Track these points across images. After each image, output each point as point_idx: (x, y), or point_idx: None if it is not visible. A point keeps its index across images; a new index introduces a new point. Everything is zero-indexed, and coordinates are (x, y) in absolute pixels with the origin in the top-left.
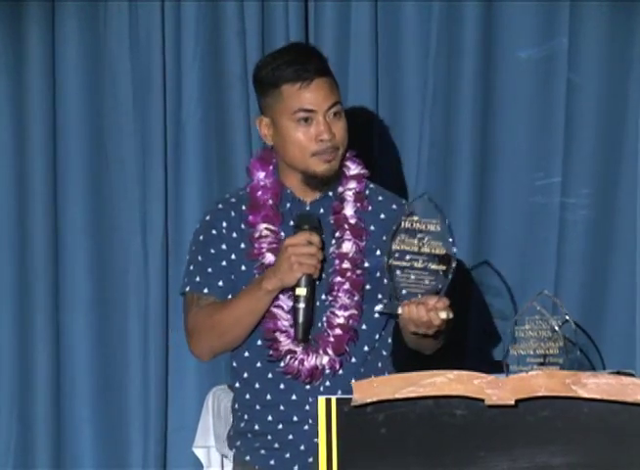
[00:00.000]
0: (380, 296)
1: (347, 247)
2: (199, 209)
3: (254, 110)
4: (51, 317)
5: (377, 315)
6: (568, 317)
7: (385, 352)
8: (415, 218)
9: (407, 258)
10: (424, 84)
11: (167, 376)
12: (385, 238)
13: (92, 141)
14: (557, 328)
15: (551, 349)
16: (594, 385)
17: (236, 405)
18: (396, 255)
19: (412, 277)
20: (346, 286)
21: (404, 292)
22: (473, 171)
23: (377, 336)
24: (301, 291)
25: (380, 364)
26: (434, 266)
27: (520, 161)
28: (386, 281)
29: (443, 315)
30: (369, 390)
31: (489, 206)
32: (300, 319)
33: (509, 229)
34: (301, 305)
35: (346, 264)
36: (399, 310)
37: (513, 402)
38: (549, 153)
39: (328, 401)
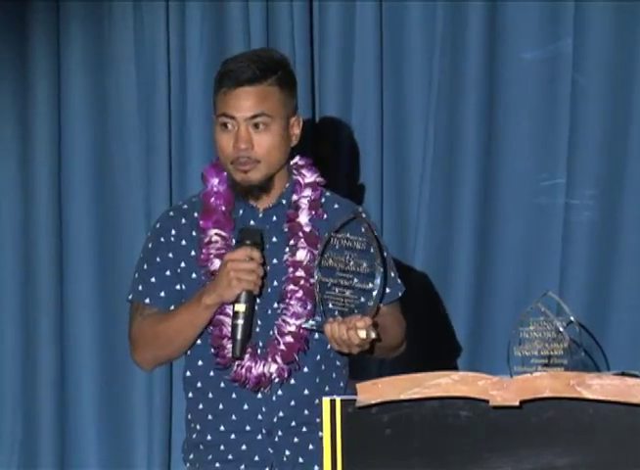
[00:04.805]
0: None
1: (301, 255)
2: None
3: None
4: (55, 318)
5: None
6: (572, 318)
7: (338, 363)
8: (342, 235)
9: (334, 274)
10: (428, 85)
11: (172, 376)
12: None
13: (97, 141)
14: (561, 329)
15: (555, 350)
16: (599, 386)
17: (189, 416)
18: (324, 271)
19: (338, 295)
20: (299, 294)
21: (330, 308)
22: (477, 172)
23: (328, 345)
24: (240, 307)
25: (334, 375)
26: (359, 285)
27: (524, 161)
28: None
29: (362, 335)
30: (373, 391)
31: (494, 207)
32: (238, 336)
33: (513, 230)
34: (240, 322)
35: (300, 273)
36: (323, 328)
37: (517, 403)
38: (553, 154)
39: (332, 402)
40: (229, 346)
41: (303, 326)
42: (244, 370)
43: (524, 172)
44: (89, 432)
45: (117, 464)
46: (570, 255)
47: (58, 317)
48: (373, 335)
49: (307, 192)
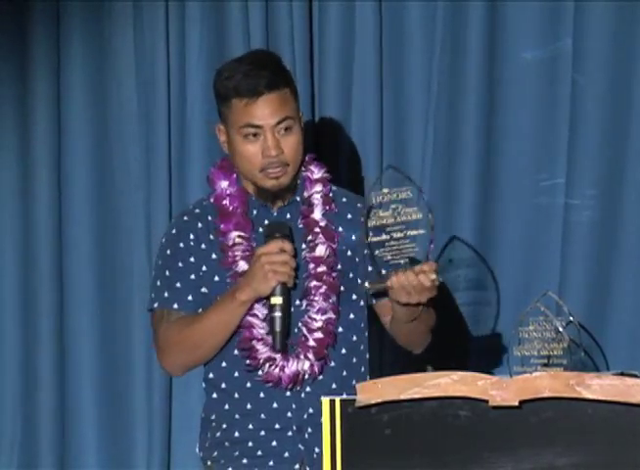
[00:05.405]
0: (355, 297)
1: (321, 250)
2: None
3: None
4: (55, 319)
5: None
6: (572, 318)
7: (367, 355)
8: (385, 191)
9: (385, 230)
10: (428, 84)
11: (171, 377)
12: (354, 238)
13: (96, 143)
14: (561, 329)
15: (555, 349)
16: (598, 386)
17: (213, 416)
18: (374, 231)
19: (394, 248)
20: (323, 289)
21: (389, 264)
22: (477, 172)
23: (354, 338)
24: (277, 300)
25: (362, 369)
26: (413, 232)
27: (524, 161)
28: (368, 260)
29: (433, 276)
30: (373, 391)
31: (493, 206)
32: (278, 328)
33: (513, 230)
34: (278, 314)
35: (322, 268)
36: (388, 283)
37: (517, 403)
38: (553, 154)
39: (332, 402)
40: (259, 346)
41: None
42: (277, 370)
43: (523, 172)
44: (89, 432)
45: (117, 464)
46: (569, 254)
47: (58, 318)
48: (441, 278)
49: (318, 187)
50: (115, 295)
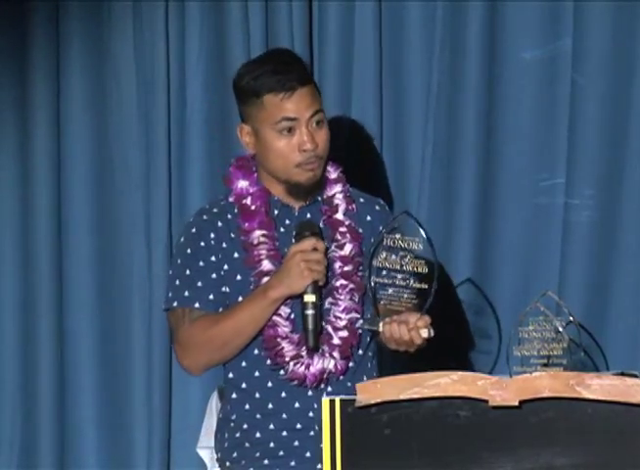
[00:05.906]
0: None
1: (348, 249)
2: None
3: None
4: (55, 318)
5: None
6: (571, 318)
7: (370, 353)
8: (397, 236)
9: (389, 275)
10: (428, 84)
11: (171, 376)
12: (372, 240)
13: (96, 142)
14: (561, 329)
15: (555, 349)
16: (598, 386)
17: (232, 416)
18: (378, 272)
19: (394, 294)
20: (349, 288)
21: (386, 308)
22: (476, 172)
23: (369, 339)
24: (310, 298)
25: (369, 364)
26: (416, 284)
27: (524, 161)
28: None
29: (425, 334)
30: (373, 391)
31: (493, 206)
32: (310, 326)
33: (513, 230)
34: (311, 312)
35: (349, 267)
36: (380, 327)
37: (517, 403)
38: (553, 154)
39: (332, 402)
40: (285, 344)
41: (357, 325)
42: (302, 368)
43: (523, 172)
44: (88, 432)
45: (117, 464)
46: (569, 254)
47: (57, 317)
48: (432, 333)
49: (338, 187)
50: (115, 295)
